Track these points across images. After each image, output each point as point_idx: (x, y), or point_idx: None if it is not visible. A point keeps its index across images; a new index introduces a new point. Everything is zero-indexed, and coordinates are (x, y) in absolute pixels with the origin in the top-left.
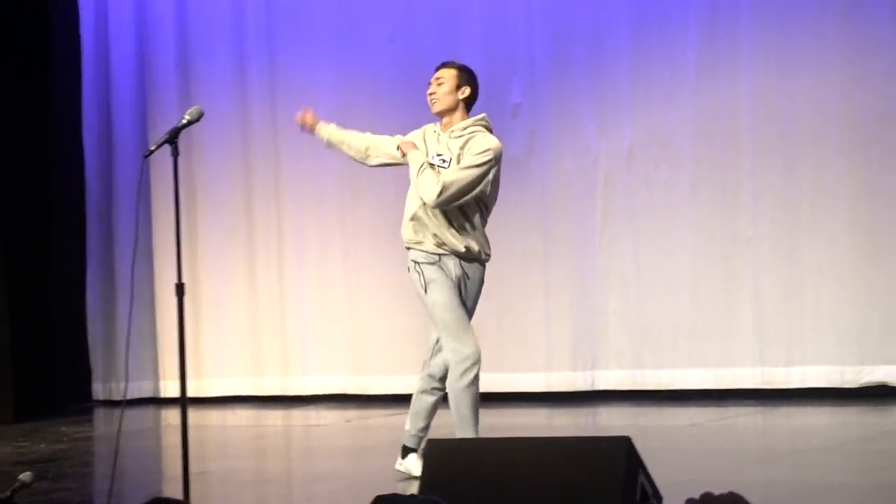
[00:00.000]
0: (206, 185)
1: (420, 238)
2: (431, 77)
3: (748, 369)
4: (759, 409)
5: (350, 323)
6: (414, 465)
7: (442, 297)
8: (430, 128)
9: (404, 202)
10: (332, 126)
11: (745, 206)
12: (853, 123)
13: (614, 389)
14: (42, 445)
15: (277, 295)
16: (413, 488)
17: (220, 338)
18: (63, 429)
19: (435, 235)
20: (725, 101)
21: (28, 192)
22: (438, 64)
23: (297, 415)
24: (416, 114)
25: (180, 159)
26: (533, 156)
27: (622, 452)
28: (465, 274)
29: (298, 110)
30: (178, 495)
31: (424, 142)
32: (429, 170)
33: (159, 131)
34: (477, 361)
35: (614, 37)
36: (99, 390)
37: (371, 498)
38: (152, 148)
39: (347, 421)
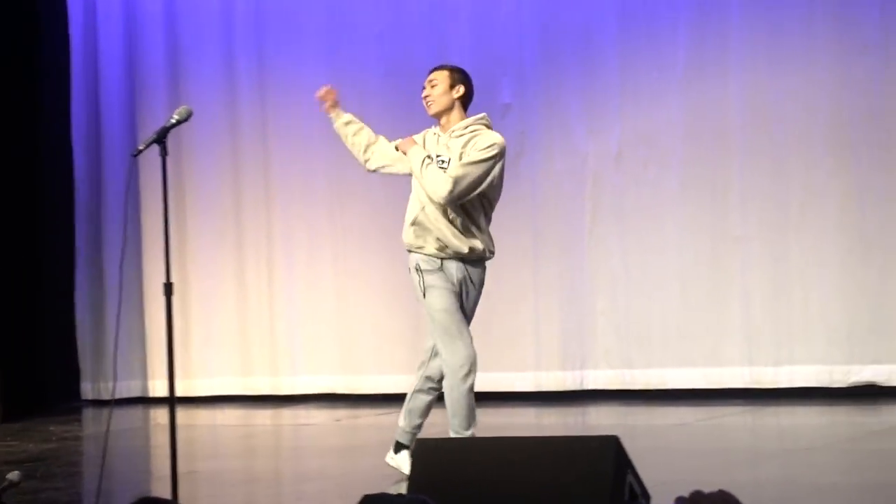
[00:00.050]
0: (196, 185)
1: (421, 243)
2: (424, 82)
3: (737, 369)
4: (748, 408)
5: (339, 322)
6: (405, 462)
7: (440, 302)
8: (430, 131)
9: (394, 203)
10: (349, 115)
11: (734, 205)
12: (842, 123)
13: (603, 389)
14: (30, 445)
15: (266, 294)
16: (402, 487)
17: (210, 337)
18: (51, 428)
19: (438, 240)
20: (714, 101)
21: (17, 193)
22: (430, 68)
23: (287, 414)
24: (406, 113)
25: (169, 159)
26: (522, 156)
27: (611, 452)
28: (467, 277)
29: (287, 109)
30: (167, 495)
31: (424, 145)
32: (433, 165)
33: (148, 131)
34: (473, 367)
35: (603, 37)
36: (87, 390)
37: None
38: (141, 147)
39: (337, 420)
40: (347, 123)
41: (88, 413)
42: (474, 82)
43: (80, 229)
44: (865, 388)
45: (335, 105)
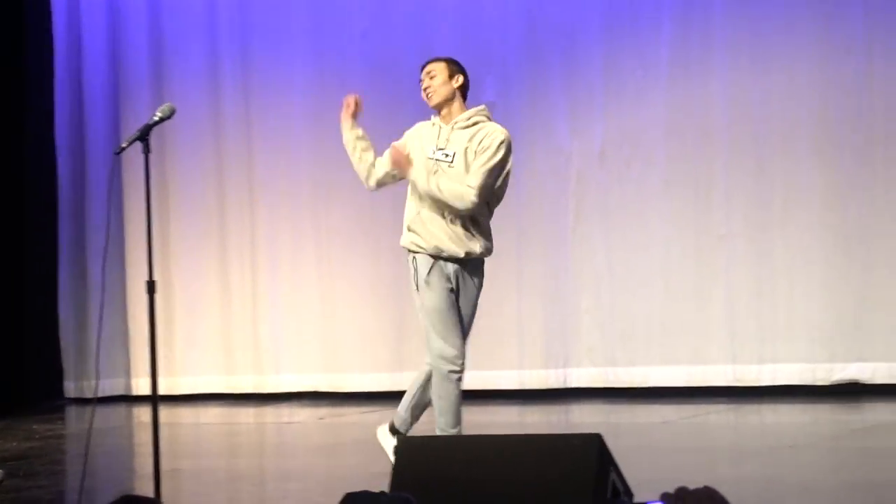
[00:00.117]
0: (179, 183)
1: (417, 247)
2: (421, 75)
3: (720, 367)
4: (731, 406)
5: (323, 321)
6: (391, 442)
7: (433, 300)
8: (426, 124)
9: (378, 203)
10: (357, 133)
11: (718, 204)
12: (825, 122)
13: (587, 387)
14: (13, 443)
15: (250, 292)
16: (383, 485)
17: (193, 336)
18: (34, 426)
19: (435, 246)
20: (698, 100)
21: (0, 191)
22: (422, 63)
23: (270, 412)
24: (391, 111)
25: (152, 157)
26: None
27: (593, 450)
28: (465, 276)
29: (272, 108)
30: (150, 493)
31: (421, 138)
32: (443, 179)
33: (132, 130)
34: (461, 365)
35: (587, 36)
36: (70, 388)
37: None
38: (123, 145)
39: (320, 419)
40: (360, 138)
41: (71, 411)
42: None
43: (63, 228)
44: (848, 386)
45: (355, 115)
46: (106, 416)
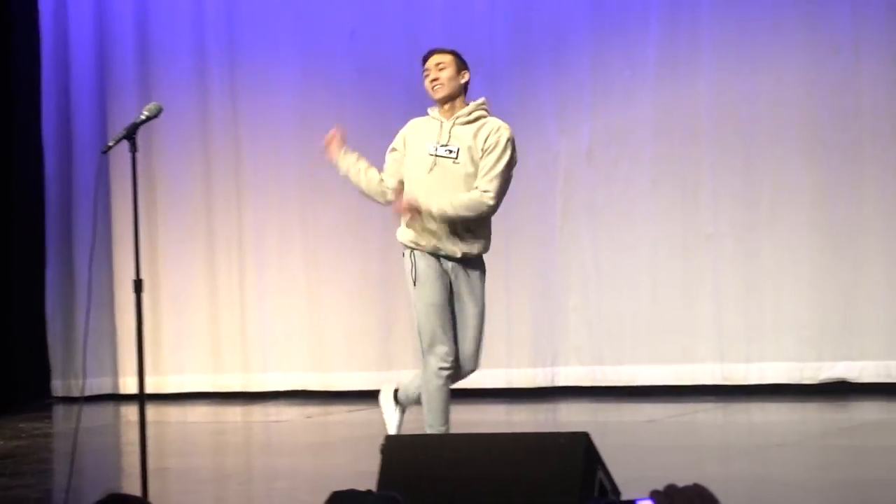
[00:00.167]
0: (166, 182)
1: (414, 246)
2: (425, 64)
3: (708, 365)
4: (719, 405)
5: (310, 319)
6: (392, 415)
7: (427, 296)
8: (422, 120)
9: (365, 201)
10: (354, 156)
11: (705, 203)
12: (813, 121)
13: (574, 385)
14: (0, 442)
15: (238, 291)
16: (370, 483)
17: (180, 334)
18: (21, 425)
19: (434, 246)
20: (686, 100)
21: None
22: (427, 52)
23: (257, 411)
24: (378, 111)
25: (140, 157)
26: None
27: (580, 448)
28: (464, 272)
29: (259, 107)
30: (137, 492)
31: (420, 133)
32: (459, 198)
33: (119, 128)
34: (451, 363)
35: (575, 35)
36: (58, 387)
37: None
38: (110, 144)
39: (308, 417)
40: (357, 159)
41: (59, 410)
42: None
43: (50, 226)
44: (836, 385)
45: (341, 147)
46: (93, 415)
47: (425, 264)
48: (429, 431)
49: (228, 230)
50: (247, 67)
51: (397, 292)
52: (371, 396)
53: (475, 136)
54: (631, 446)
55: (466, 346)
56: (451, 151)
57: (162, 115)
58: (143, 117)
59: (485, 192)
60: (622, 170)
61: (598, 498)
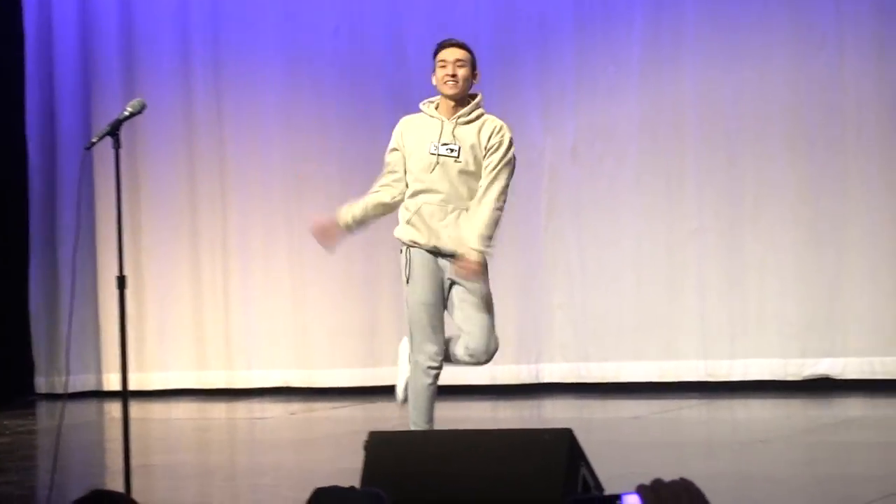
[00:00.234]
0: (150, 178)
1: (412, 244)
2: (441, 54)
3: (692, 362)
4: (703, 401)
5: (294, 316)
6: (406, 363)
7: (419, 294)
8: (416, 117)
9: (350, 195)
10: (346, 208)
11: (690, 199)
12: (797, 117)
13: (559, 382)
14: None
15: (222, 288)
16: (353, 480)
17: (164, 331)
18: (5, 422)
19: (434, 245)
20: (670, 96)
21: None
22: (444, 41)
23: (242, 408)
24: (362, 107)
25: (124, 153)
26: None
27: (564, 445)
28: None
29: (243, 103)
30: (121, 489)
31: (418, 131)
32: (483, 224)
33: (103, 124)
34: (440, 362)
35: (559, 33)
36: (41, 384)
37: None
38: (94, 140)
39: (292, 414)
40: (350, 206)
41: (42, 407)
42: (430, 76)
43: (34, 223)
44: (820, 382)
45: (336, 228)
46: (77, 412)
47: (420, 262)
48: (413, 429)
49: (212, 227)
50: (231, 63)
51: (380, 290)
52: (355, 393)
53: (477, 134)
54: (615, 443)
55: (476, 333)
56: (452, 150)
57: (147, 113)
58: (126, 113)
59: (496, 201)
60: (607, 167)
61: (582, 493)
